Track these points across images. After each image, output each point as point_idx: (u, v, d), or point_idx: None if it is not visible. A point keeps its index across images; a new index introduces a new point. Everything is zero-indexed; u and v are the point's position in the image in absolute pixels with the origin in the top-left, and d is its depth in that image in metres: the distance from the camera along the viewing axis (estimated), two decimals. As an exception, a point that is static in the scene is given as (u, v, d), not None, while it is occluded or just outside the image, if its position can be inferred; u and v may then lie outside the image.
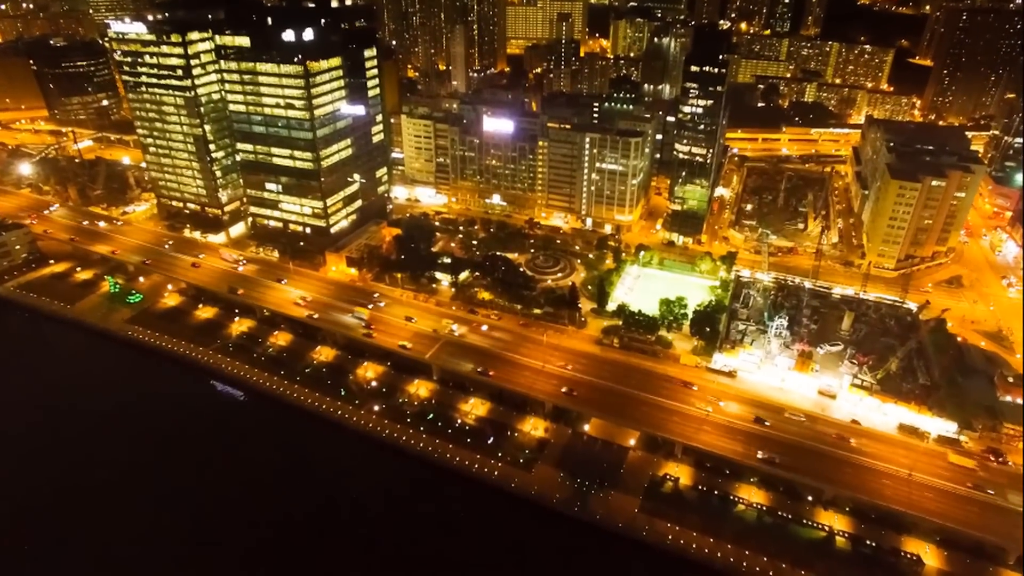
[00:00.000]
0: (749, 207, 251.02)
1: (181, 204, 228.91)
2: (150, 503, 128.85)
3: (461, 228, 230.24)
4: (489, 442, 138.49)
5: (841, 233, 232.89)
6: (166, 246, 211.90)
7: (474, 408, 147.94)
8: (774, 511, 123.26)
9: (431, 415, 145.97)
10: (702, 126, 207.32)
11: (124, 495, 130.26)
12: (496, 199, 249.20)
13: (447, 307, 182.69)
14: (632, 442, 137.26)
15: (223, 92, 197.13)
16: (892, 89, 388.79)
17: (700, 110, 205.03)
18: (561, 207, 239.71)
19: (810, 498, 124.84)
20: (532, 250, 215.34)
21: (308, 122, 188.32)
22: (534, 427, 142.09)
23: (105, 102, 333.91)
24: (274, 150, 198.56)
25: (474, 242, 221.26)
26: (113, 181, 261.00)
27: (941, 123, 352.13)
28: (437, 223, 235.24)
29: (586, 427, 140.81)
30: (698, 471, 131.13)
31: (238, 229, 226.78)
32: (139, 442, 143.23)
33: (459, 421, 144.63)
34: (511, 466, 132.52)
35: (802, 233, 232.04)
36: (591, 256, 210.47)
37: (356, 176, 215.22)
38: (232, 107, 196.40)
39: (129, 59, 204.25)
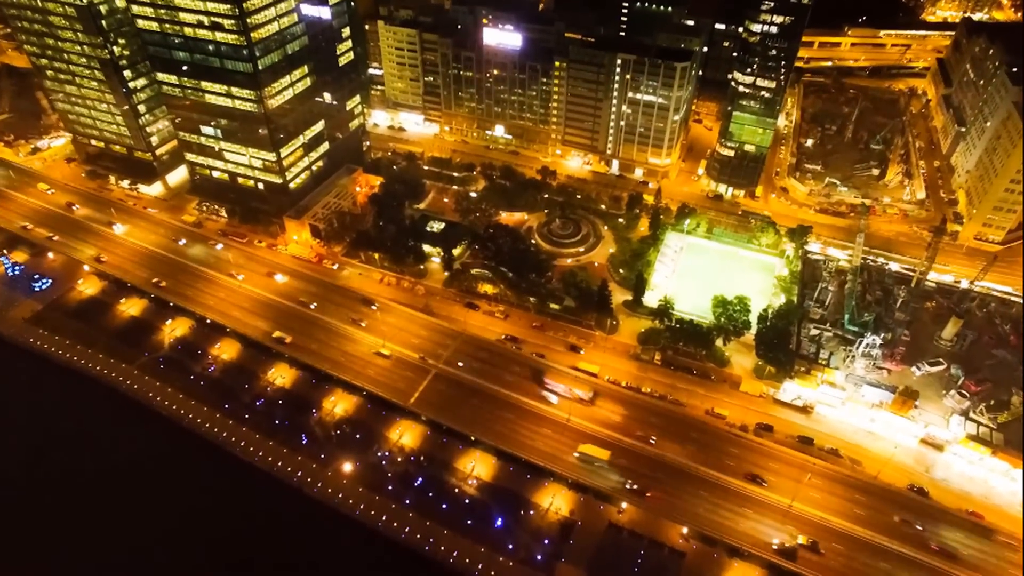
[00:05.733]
0: (810, 142, 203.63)
1: (102, 144, 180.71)
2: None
3: (456, 175, 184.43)
4: (497, 525, 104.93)
5: (926, 182, 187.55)
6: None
7: (475, 468, 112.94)
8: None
9: (419, 480, 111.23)
10: (774, 51, 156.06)
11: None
12: (499, 131, 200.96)
13: (439, 296, 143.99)
14: (685, 530, 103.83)
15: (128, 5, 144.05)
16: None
17: (775, 29, 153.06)
18: (581, 145, 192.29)
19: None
20: (546, 210, 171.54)
21: (244, 48, 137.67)
22: (554, 504, 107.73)
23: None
24: (204, 84, 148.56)
25: (472, 195, 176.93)
26: (24, 100, 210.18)
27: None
28: (426, 167, 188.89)
29: (623, 505, 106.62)
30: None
31: (179, 175, 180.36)
32: (32, 496, 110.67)
33: (456, 489, 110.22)
34: (527, 566, 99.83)
35: (878, 183, 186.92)
36: (620, 220, 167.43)
37: (326, 96, 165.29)
38: (142, 24, 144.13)
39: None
